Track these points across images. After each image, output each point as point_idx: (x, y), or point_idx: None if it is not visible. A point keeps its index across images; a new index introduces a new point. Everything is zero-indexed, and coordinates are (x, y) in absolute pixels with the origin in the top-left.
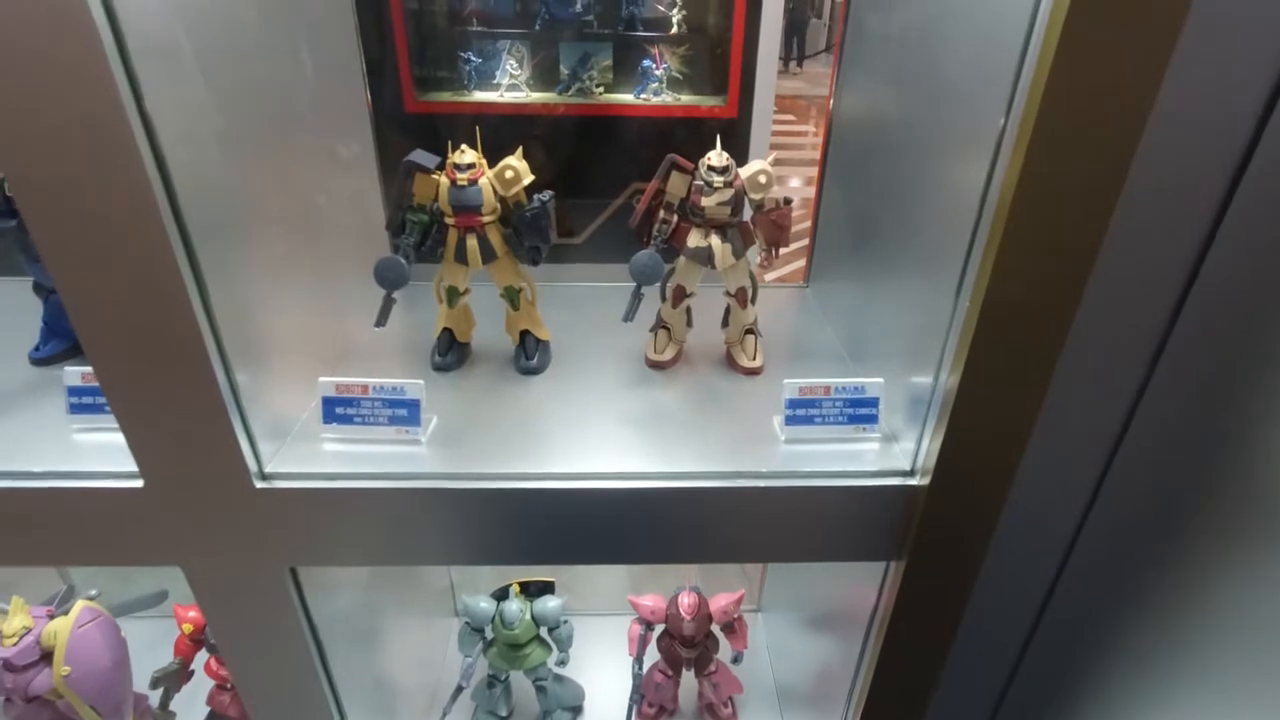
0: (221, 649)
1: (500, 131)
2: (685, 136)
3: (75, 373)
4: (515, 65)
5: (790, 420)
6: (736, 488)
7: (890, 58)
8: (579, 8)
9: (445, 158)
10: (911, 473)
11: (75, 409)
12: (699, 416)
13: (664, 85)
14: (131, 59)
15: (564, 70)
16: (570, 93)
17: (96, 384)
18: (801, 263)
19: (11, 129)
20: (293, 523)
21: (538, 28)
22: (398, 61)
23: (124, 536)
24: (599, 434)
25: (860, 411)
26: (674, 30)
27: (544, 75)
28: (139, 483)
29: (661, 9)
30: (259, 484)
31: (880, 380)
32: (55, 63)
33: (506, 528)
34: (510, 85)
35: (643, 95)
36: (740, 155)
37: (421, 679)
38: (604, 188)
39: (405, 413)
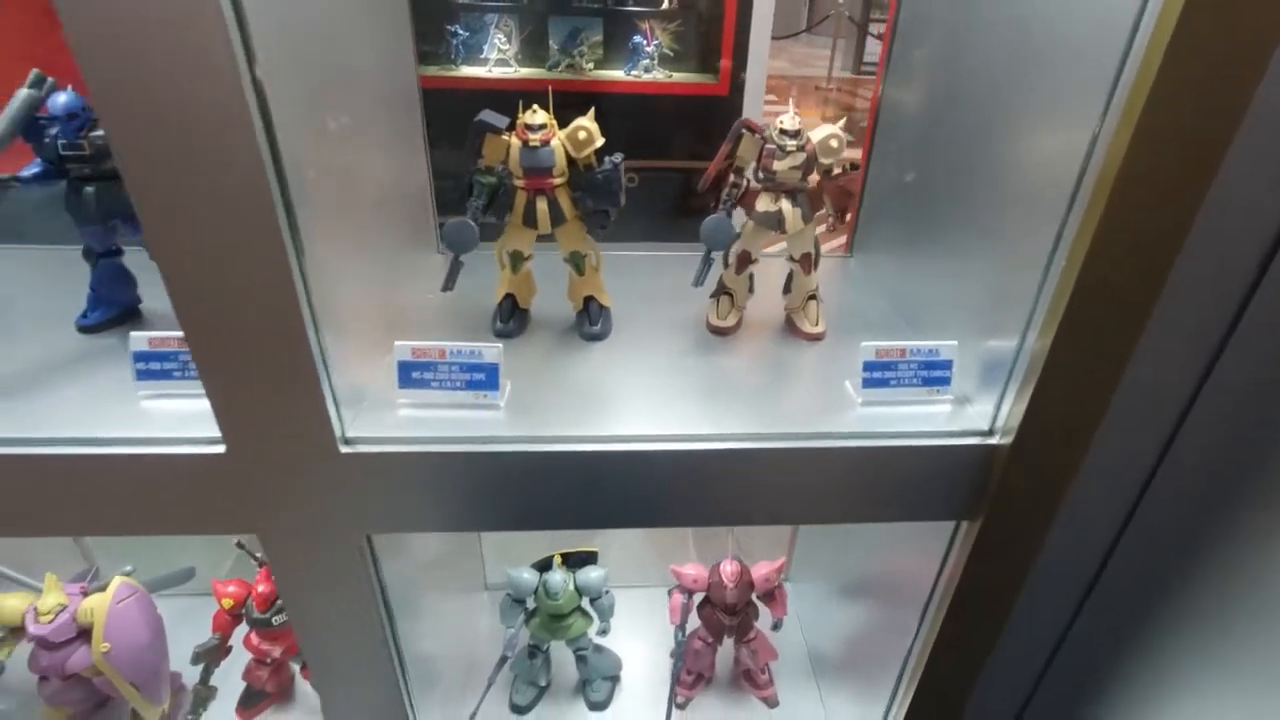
0: (292, 616)
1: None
2: (676, 114)
3: (142, 338)
4: (504, 40)
5: (867, 383)
6: (818, 448)
7: (952, 33)
8: None
9: (514, 118)
10: (990, 432)
11: (142, 375)
12: (769, 380)
13: (655, 62)
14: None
15: (553, 46)
16: (560, 69)
17: (163, 350)
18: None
19: (133, 104)
20: (372, 488)
21: (526, 1)
22: None
23: (203, 503)
24: (671, 398)
25: (934, 374)
26: (665, 6)
27: (533, 50)
28: (221, 448)
29: None
30: (343, 448)
31: (954, 343)
32: (175, 29)
33: (585, 491)
34: (498, 60)
35: (633, 72)
36: None
37: (458, 652)
38: None
39: (483, 377)
